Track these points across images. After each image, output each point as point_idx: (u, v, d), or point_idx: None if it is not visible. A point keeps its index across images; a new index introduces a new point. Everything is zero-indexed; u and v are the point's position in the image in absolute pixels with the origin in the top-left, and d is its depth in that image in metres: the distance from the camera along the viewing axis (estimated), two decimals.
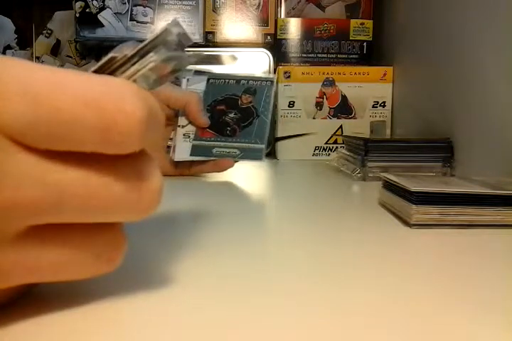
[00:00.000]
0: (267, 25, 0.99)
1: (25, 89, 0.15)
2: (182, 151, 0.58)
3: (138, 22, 0.96)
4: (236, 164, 0.60)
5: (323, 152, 0.89)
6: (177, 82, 0.63)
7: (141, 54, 0.18)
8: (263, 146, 0.59)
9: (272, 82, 0.62)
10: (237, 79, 0.61)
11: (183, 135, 0.58)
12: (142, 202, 0.17)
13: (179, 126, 0.59)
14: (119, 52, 0.18)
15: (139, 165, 0.17)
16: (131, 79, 0.18)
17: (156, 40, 0.18)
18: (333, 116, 0.90)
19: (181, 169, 0.60)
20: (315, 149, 0.89)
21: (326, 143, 0.89)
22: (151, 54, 0.18)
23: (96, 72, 0.18)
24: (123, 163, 0.17)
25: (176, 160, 0.58)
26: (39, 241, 0.16)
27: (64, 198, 0.16)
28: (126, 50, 0.18)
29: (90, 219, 0.17)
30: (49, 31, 1.07)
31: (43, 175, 0.15)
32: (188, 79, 0.61)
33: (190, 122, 0.58)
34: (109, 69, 0.18)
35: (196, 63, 0.20)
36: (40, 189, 0.15)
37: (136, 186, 0.17)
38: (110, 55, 0.18)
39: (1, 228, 0.15)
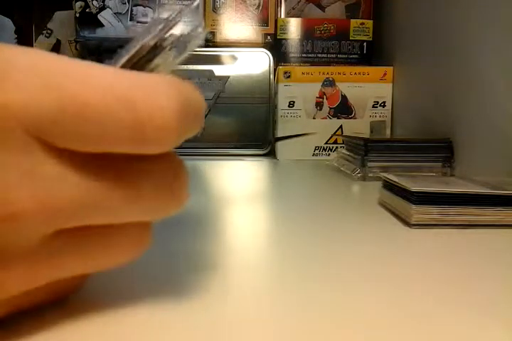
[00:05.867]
0: (267, 25, 0.99)
1: (47, 80, 0.13)
2: None
3: (138, 22, 0.95)
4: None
5: (323, 152, 0.89)
6: None
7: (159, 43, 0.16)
8: None
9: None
10: None
11: None
12: (174, 201, 0.17)
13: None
14: (140, 40, 0.16)
15: (172, 164, 0.16)
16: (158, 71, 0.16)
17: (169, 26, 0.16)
18: (333, 116, 0.90)
19: None
20: (315, 149, 0.89)
21: (326, 143, 0.89)
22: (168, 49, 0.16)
23: (125, 65, 0.16)
24: (156, 163, 0.16)
25: None
26: (71, 242, 0.15)
27: (95, 203, 0.15)
28: (142, 36, 0.16)
29: (121, 220, 0.16)
30: (49, 31, 1.07)
31: (74, 179, 0.14)
32: None
33: None
34: (139, 63, 0.16)
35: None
36: (73, 192, 0.14)
37: (169, 186, 0.16)
38: (139, 44, 0.16)
39: (35, 232, 0.14)
